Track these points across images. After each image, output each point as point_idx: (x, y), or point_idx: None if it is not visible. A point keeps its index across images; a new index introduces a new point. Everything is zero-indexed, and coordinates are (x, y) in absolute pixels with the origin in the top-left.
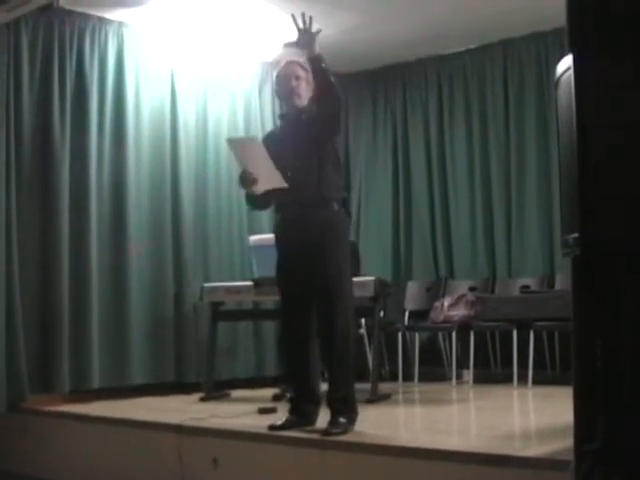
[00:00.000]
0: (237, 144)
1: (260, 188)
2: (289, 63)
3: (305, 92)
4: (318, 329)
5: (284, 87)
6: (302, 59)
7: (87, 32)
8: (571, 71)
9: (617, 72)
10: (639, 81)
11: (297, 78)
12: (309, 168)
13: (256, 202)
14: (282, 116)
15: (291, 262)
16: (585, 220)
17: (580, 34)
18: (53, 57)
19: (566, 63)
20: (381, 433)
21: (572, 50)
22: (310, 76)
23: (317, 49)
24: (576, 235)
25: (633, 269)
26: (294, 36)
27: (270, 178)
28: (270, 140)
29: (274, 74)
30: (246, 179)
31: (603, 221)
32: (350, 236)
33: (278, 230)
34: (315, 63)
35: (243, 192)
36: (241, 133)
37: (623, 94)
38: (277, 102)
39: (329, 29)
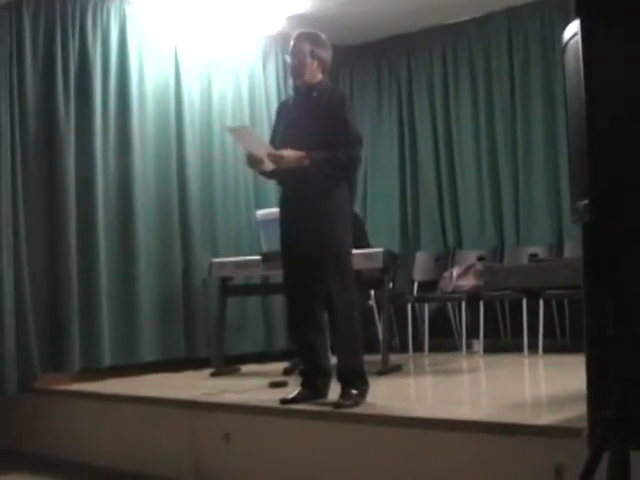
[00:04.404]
0: (235, 132)
1: (268, 166)
2: (295, 37)
3: (310, 68)
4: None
5: (290, 63)
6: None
7: (89, 10)
8: (578, 37)
9: (626, 36)
10: None
11: (299, 53)
12: (311, 145)
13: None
14: (295, 88)
15: (291, 237)
16: (596, 185)
17: None
18: (55, 36)
19: (573, 29)
20: (392, 404)
21: (579, 15)
22: (320, 49)
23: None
24: (586, 201)
25: None
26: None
27: (268, 148)
28: (283, 109)
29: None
30: (252, 161)
31: (614, 186)
32: (350, 210)
33: (281, 206)
34: (319, 168)
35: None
36: (246, 108)
37: (632, 58)
38: (281, 76)
39: (332, 1)
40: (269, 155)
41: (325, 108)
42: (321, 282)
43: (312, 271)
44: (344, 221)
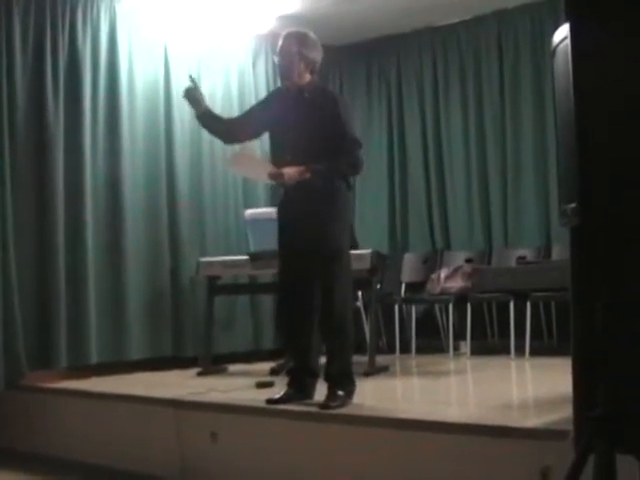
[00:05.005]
0: (233, 162)
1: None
2: (283, 37)
3: (297, 69)
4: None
5: (278, 64)
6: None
7: (79, 7)
8: (568, 40)
9: (615, 39)
10: (637, 48)
11: (286, 54)
12: (309, 149)
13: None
14: (285, 89)
15: (290, 236)
16: (584, 189)
17: (577, 1)
18: (45, 33)
19: (563, 32)
20: (379, 405)
21: (569, 18)
22: (308, 50)
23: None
24: (574, 205)
25: (633, 235)
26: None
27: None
28: (273, 100)
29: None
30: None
31: (602, 189)
32: (350, 210)
33: (280, 204)
34: (321, 178)
35: None
36: (235, 107)
37: (621, 61)
38: (271, 75)
39: (323, 0)
40: (270, 174)
41: (320, 110)
42: (319, 281)
43: (311, 270)
44: (345, 221)
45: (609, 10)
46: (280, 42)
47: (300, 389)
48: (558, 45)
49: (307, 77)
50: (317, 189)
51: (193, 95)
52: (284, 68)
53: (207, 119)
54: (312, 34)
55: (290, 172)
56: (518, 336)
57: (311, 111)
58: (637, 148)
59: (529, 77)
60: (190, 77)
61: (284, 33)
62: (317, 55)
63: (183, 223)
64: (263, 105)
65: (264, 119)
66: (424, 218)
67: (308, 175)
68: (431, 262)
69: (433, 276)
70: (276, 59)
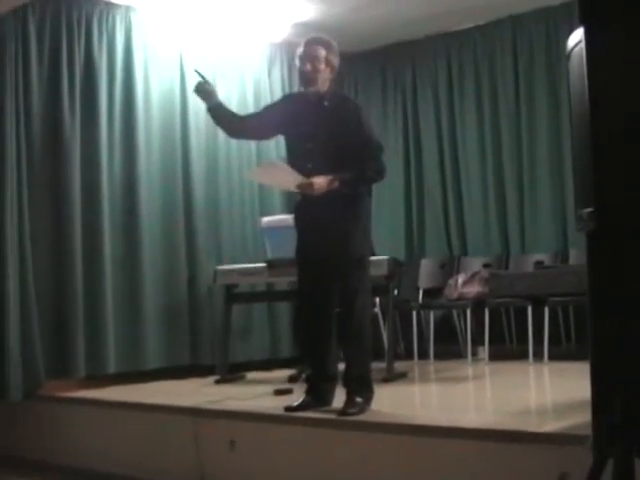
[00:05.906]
0: (258, 174)
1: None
2: (309, 42)
3: (323, 75)
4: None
5: (300, 69)
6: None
7: (95, 18)
8: (582, 44)
9: (630, 43)
10: None
11: (314, 59)
12: (330, 157)
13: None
14: (304, 94)
15: (311, 242)
16: (600, 194)
17: (591, 5)
18: (61, 44)
19: (577, 36)
20: (397, 412)
21: (583, 22)
22: (333, 56)
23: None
24: (590, 209)
25: None
26: None
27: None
28: (289, 105)
29: (297, 52)
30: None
31: (618, 194)
32: (371, 215)
33: (298, 210)
34: (349, 187)
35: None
36: None
37: (635, 64)
38: (287, 83)
39: (337, 8)
40: (299, 185)
41: (340, 120)
42: (339, 287)
43: (331, 276)
44: (365, 225)
45: (623, 12)
46: (305, 47)
47: (318, 396)
48: (573, 49)
49: (327, 84)
50: (339, 194)
51: (204, 89)
52: (310, 73)
53: (218, 112)
54: (333, 41)
55: (319, 182)
56: (536, 341)
57: (331, 119)
58: None
59: (544, 81)
60: (196, 71)
61: (309, 38)
62: (338, 62)
63: (200, 232)
64: (276, 108)
65: (275, 122)
66: (441, 223)
67: (337, 184)
68: (448, 268)
69: (450, 282)
70: (299, 64)
